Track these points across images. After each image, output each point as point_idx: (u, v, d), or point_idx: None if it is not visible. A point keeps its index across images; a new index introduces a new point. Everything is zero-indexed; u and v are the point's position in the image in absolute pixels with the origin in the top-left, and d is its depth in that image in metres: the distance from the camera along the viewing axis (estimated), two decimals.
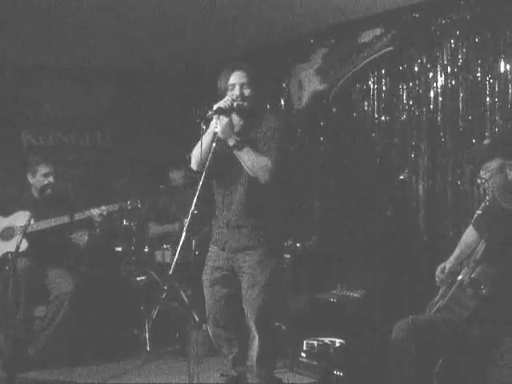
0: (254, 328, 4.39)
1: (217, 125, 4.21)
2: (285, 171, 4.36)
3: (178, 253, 3.90)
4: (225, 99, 4.26)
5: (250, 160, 4.21)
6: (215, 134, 4.22)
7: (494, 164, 3.85)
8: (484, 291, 3.78)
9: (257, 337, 4.40)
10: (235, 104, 4.26)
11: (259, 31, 6.94)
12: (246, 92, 4.34)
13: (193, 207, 3.95)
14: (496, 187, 3.89)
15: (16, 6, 5.83)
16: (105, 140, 8.80)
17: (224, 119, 4.20)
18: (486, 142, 4.14)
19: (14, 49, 7.24)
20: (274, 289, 4.38)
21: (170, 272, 3.97)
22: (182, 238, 3.91)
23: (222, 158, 4.30)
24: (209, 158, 4.17)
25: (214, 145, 4.20)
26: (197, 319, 6.34)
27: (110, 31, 6.83)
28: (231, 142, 4.22)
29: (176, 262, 3.93)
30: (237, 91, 4.31)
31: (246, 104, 4.32)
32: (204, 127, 4.21)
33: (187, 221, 3.95)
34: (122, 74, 8.65)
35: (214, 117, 4.21)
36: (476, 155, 4.14)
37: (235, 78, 4.36)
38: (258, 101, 4.42)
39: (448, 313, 3.90)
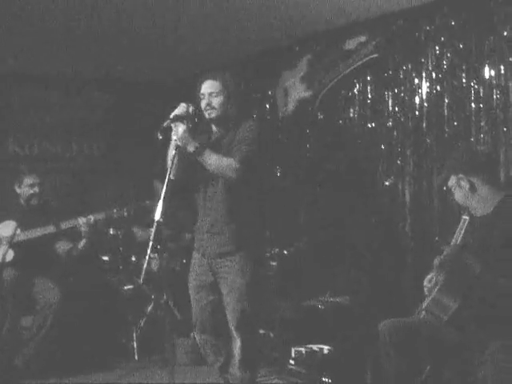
0: (234, 333, 4.41)
1: (175, 133, 4.23)
2: (255, 173, 4.37)
3: (146, 262, 3.89)
4: (180, 106, 4.30)
5: (213, 163, 4.25)
6: (175, 141, 4.24)
7: (451, 182, 3.99)
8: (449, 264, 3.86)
9: (238, 342, 4.41)
10: (191, 110, 4.28)
11: (245, 39, 6.95)
12: (214, 101, 4.39)
13: (158, 216, 3.91)
14: (460, 202, 4.00)
15: (5, 12, 5.81)
16: (91, 149, 8.77)
17: (180, 126, 4.22)
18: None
19: (0, 56, 7.21)
20: (254, 294, 4.40)
21: (141, 281, 3.97)
22: (150, 245, 3.90)
23: (193, 165, 4.32)
24: (171, 166, 4.19)
25: (173, 152, 4.23)
26: (184, 327, 6.34)
27: (99, 40, 6.81)
28: (191, 149, 4.24)
29: (146, 270, 3.93)
30: (205, 101, 4.36)
31: (214, 113, 4.37)
32: (161, 137, 4.20)
33: (152, 230, 3.91)
34: (109, 83, 8.63)
35: (172, 125, 4.22)
36: (440, 182, 4.28)
37: (204, 88, 4.43)
38: (230, 108, 4.45)
39: (430, 316, 3.92)
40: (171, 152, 4.28)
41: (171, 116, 4.23)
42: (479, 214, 3.93)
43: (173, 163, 4.22)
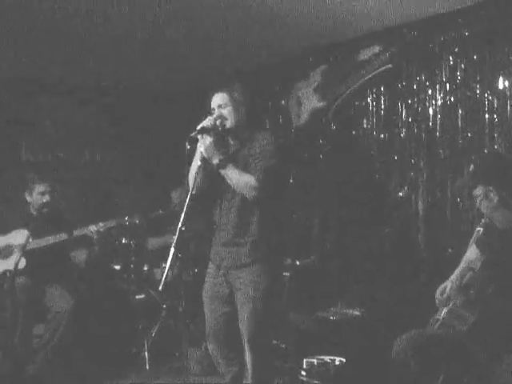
0: (246, 346, 4.38)
1: (201, 144, 4.25)
2: (274, 187, 4.35)
3: (167, 269, 3.88)
4: (208, 118, 4.31)
5: (234, 178, 4.26)
6: (201, 153, 4.26)
7: (478, 191, 3.96)
8: (471, 293, 3.83)
9: (250, 355, 4.38)
10: (218, 123, 4.29)
11: (258, 49, 6.96)
12: (225, 112, 4.38)
13: (180, 224, 3.96)
14: (485, 211, 3.97)
15: (16, 21, 5.84)
16: (104, 157, 8.80)
17: (207, 138, 4.24)
18: (470, 169, 4.23)
19: (14, 65, 7.25)
20: (268, 307, 4.36)
21: (160, 288, 3.98)
22: (171, 253, 3.90)
23: (214, 177, 4.33)
24: (195, 178, 4.21)
25: (199, 163, 4.25)
26: (196, 337, 6.33)
27: (108, 49, 6.84)
28: (215, 161, 4.25)
29: (166, 278, 3.91)
30: (215, 113, 4.37)
31: (226, 125, 4.36)
32: (189, 147, 4.23)
33: (175, 237, 3.94)
34: (121, 91, 8.65)
35: (199, 136, 4.24)
36: (463, 185, 4.27)
37: (214, 102, 4.44)
38: (241, 120, 4.44)
39: (447, 328, 3.90)
40: (196, 163, 4.30)
41: (198, 128, 4.24)
42: (504, 226, 3.90)
43: (197, 174, 4.24)
